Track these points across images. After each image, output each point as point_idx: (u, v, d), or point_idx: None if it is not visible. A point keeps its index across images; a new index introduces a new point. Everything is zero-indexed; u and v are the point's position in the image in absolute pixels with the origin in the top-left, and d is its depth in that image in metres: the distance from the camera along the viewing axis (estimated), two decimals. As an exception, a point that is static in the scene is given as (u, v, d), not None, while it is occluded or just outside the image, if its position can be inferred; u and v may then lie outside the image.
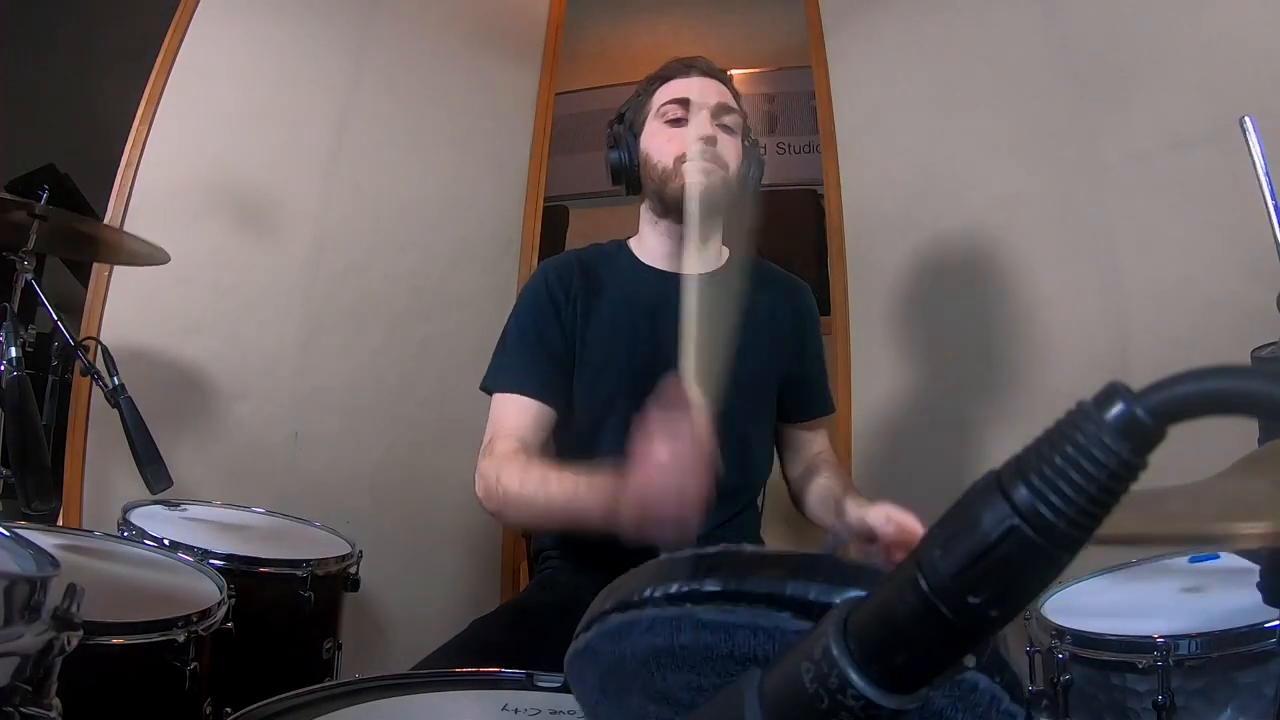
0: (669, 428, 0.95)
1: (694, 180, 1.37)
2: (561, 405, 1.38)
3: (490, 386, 1.39)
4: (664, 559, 0.48)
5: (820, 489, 1.40)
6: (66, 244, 1.86)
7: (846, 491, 1.34)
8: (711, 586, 0.43)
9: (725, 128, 1.42)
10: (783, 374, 1.50)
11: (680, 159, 1.38)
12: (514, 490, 1.21)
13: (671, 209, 1.42)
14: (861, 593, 0.40)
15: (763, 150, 1.50)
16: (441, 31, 2.61)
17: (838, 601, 0.40)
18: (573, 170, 3.56)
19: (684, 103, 1.41)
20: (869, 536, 1.14)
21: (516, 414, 1.34)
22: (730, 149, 1.41)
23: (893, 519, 1.12)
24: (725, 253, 1.53)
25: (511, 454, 1.26)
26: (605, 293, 1.44)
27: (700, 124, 1.38)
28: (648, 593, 0.46)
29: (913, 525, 1.10)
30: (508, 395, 1.36)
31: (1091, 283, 1.96)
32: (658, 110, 1.43)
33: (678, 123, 1.41)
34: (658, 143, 1.42)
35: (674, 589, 0.45)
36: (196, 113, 2.21)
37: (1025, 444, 0.32)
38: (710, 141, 1.38)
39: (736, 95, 1.47)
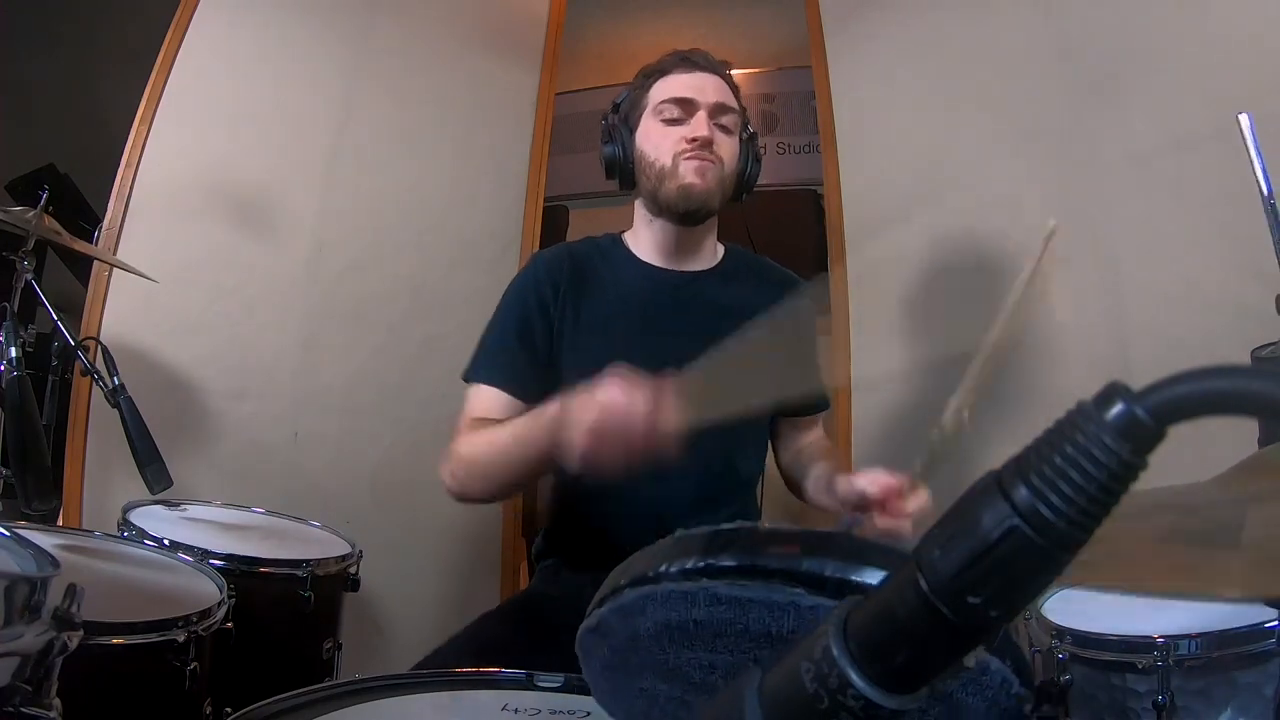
0: (627, 378, 0.97)
1: (689, 181, 1.36)
2: (536, 398, 1.39)
3: (466, 377, 1.40)
4: (679, 535, 0.48)
5: (816, 473, 1.40)
6: (64, 252, 1.87)
7: (837, 471, 1.34)
8: (727, 561, 0.43)
9: (723, 128, 1.40)
10: None
11: (678, 156, 1.37)
12: (465, 454, 1.23)
13: (665, 210, 1.41)
14: (876, 570, 0.40)
15: (762, 147, 1.49)
16: (441, 31, 2.61)
17: (852, 578, 0.40)
18: (573, 170, 3.56)
19: (681, 102, 1.38)
20: (861, 503, 1.14)
21: (485, 405, 1.35)
22: (726, 148, 1.40)
23: (877, 481, 1.13)
24: (720, 250, 1.52)
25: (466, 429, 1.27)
26: (598, 287, 1.44)
27: (697, 125, 1.37)
28: (663, 568, 0.45)
29: (894, 483, 1.11)
30: (481, 386, 1.37)
31: (1091, 283, 1.96)
32: (655, 108, 1.41)
33: (675, 122, 1.39)
34: (654, 141, 1.40)
35: (690, 564, 0.44)
36: (196, 113, 2.21)
37: (1025, 444, 0.32)
38: (705, 144, 1.37)
39: (735, 89, 1.45)
